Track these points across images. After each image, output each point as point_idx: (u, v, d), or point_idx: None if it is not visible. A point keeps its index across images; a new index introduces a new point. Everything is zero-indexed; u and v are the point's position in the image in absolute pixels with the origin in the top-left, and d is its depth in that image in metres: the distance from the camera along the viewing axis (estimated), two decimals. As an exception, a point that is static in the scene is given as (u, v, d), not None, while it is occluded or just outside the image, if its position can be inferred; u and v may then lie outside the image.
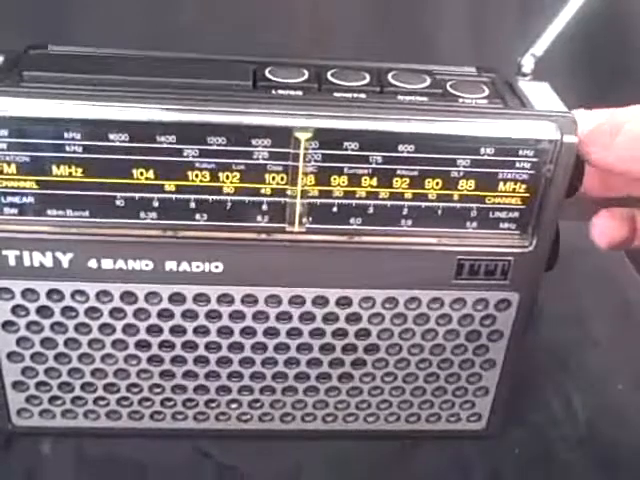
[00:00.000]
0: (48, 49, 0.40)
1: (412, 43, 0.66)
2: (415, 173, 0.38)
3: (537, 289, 0.42)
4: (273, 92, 0.38)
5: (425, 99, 0.38)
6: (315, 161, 0.37)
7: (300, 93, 0.38)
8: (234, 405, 0.44)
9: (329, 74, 0.39)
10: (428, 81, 0.39)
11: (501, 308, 0.42)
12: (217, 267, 0.39)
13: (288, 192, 0.38)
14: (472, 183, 0.38)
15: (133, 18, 0.64)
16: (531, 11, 0.66)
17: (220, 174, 0.37)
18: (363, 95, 0.38)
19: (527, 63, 0.41)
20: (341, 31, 0.66)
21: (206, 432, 0.45)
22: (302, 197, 0.38)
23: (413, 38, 0.66)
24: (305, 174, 0.37)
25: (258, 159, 0.37)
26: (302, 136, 0.36)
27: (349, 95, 0.38)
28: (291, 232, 0.39)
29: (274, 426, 0.45)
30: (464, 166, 0.38)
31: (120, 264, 0.39)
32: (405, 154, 0.37)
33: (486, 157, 0.38)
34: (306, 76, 0.39)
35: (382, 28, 0.67)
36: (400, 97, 0.38)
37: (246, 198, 0.38)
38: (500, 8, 0.68)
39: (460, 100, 0.39)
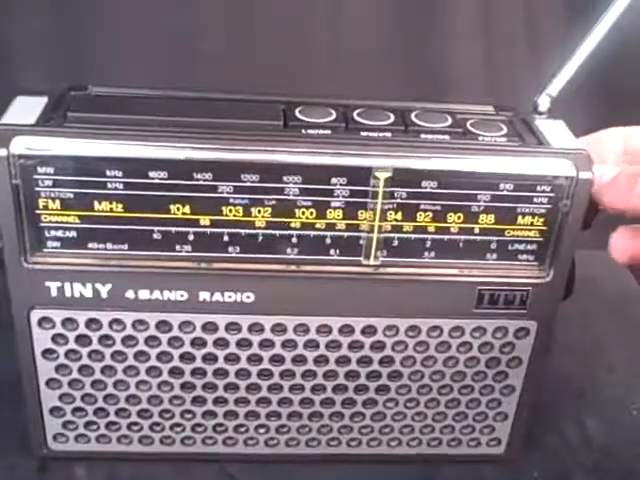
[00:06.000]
0: (89, 90, 0.42)
1: (428, 78, 0.69)
2: (438, 208, 0.40)
3: (554, 317, 0.44)
4: (303, 131, 0.40)
5: (447, 137, 0.40)
6: (343, 197, 0.39)
7: (329, 132, 0.40)
8: (262, 430, 0.46)
9: (355, 114, 0.41)
10: (449, 120, 0.41)
11: (520, 336, 0.44)
12: (248, 297, 0.41)
13: (317, 225, 0.40)
14: (492, 217, 0.40)
15: (155, 53, 0.67)
16: (539, 49, 0.69)
17: (252, 209, 0.39)
18: (388, 134, 0.40)
19: (543, 102, 0.43)
20: (359, 67, 0.68)
21: (234, 456, 0.47)
22: (327, 229, 0.40)
23: (429, 73, 0.69)
24: (333, 209, 0.39)
25: (289, 195, 0.39)
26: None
27: (375, 134, 0.40)
28: (321, 263, 0.41)
29: (300, 450, 0.47)
30: (484, 201, 0.40)
31: (156, 294, 0.41)
32: (428, 190, 0.39)
33: (505, 192, 0.40)
34: (334, 116, 0.41)
35: (396, 63, 0.69)
36: (423, 135, 0.40)
37: (276, 232, 0.40)
38: (510, 44, 0.70)
39: (480, 138, 0.41)
